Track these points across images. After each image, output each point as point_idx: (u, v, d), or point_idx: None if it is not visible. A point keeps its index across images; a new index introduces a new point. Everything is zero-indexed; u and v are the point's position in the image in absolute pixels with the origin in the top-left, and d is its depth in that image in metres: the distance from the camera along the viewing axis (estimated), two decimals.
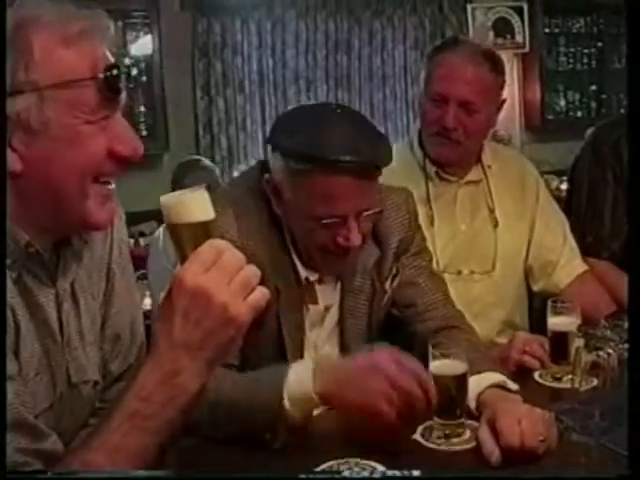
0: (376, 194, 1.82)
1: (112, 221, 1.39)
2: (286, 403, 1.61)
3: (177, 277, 1.19)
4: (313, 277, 1.88)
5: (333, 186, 1.70)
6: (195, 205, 1.23)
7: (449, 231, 2.36)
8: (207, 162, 4.56)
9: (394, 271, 1.98)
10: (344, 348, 1.96)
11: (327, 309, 1.93)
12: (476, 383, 1.73)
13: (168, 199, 1.23)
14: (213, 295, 1.17)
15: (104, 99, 1.25)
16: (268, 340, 1.84)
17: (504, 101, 2.42)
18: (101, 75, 1.24)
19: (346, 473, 1.48)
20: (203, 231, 1.23)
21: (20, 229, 1.27)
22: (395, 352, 1.65)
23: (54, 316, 1.36)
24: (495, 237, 2.38)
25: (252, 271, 1.23)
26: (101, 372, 1.48)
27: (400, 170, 2.34)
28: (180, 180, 4.35)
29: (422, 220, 2.27)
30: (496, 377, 1.76)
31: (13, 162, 1.23)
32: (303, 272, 1.86)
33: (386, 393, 1.57)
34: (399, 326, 2.04)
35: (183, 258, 1.21)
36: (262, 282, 1.72)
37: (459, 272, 2.34)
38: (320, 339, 1.95)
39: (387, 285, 1.97)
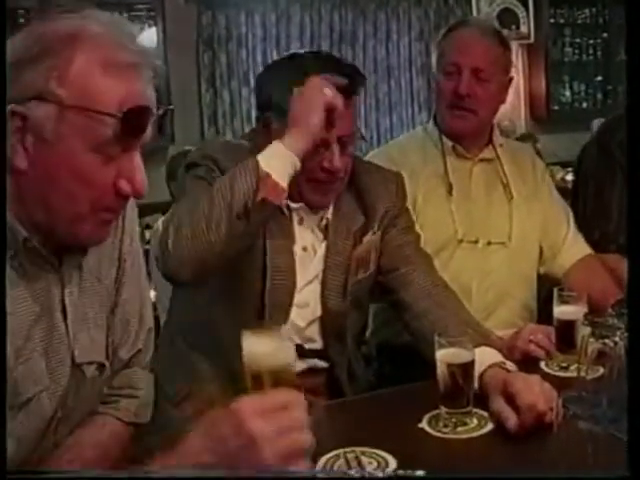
0: (354, 121, 1.95)
1: (105, 237, 1.39)
2: (262, 165, 1.70)
3: (236, 406, 1.15)
4: (294, 205, 1.94)
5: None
6: (281, 353, 1.26)
7: (465, 204, 2.40)
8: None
9: (375, 229, 2.04)
10: (324, 302, 2.01)
11: (305, 249, 1.99)
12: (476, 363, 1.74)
13: (253, 345, 1.25)
14: (257, 445, 1.12)
15: (122, 136, 1.25)
16: (254, 275, 1.92)
17: (512, 79, 2.51)
18: (120, 115, 1.23)
19: (353, 464, 1.48)
20: (285, 375, 1.24)
21: (18, 224, 1.28)
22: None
23: (57, 299, 1.37)
24: (510, 210, 2.44)
25: (304, 440, 1.16)
26: (109, 356, 1.50)
27: (416, 149, 2.42)
28: (174, 172, 4.32)
29: (438, 193, 2.33)
30: (493, 355, 1.78)
31: (20, 158, 1.24)
32: (291, 203, 1.93)
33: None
34: (384, 293, 2.09)
35: (256, 385, 1.22)
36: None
37: (476, 241, 2.39)
38: (301, 284, 1.99)
39: (365, 238, 2.02)
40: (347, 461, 1.49)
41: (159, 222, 2.16)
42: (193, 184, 1.87)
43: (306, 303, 2.00)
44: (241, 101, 5.87)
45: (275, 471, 1.13)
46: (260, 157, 1.72)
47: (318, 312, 2.02)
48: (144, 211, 4.60)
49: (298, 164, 1.74)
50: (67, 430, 1.44)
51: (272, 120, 1.88)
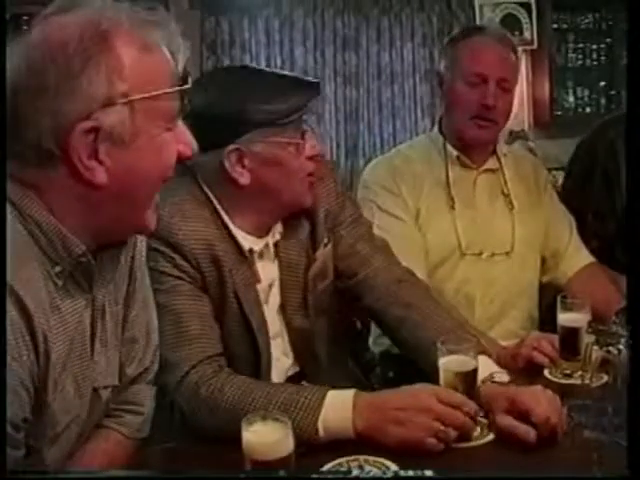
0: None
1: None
2: (320, 431, 1.60)
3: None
4: (257, 247, 1.90)
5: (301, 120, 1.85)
6: (284, 444, 1.31)
7: (468, 214, 2.39)
8: None
9: (325, 240, 2.00)
10: (288, 322, 1.98)
11: (270, 286, 1.95)
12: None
13: (252, 438, 1.31)
14: None
15: (179, 106, 1.29)
16: (234, 323, 1.88)
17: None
18: (185, 86, 1.29)
19: (355, 472, 1.48)
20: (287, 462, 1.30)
21: (77, 238, 1.26)
22: (436, 389, 1.64)
23: (88, 322, 1.36)
24: (512, 220, 2.43)
25: None
26: (120, 377, 1.49)
27: (420, 159, 2.40)
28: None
29: (441, 203, 2.32)
30: (485, 366, 1.77)
31: (99, 175, 1.23)
32: (247, 243, 1.88)
33: (434, 428, 1.56)
34: (349, 300, 2.08)
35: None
36: (216, 265, 1.82)
37: (480, 253, 2.38)
38: (271, 317, 1.96)
39: (318, 253, 1.99)
40: (350, 469, 1.49)
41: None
42: (162, 295, 1.76)
43: (278, 334, 1.98)
44: None
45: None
46: (322, 417, 1.61)
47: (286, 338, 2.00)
48: None
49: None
50: (79, 448, 1.44)
51: (252, 146, 1.82)
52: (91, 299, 1.36)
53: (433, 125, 2.62)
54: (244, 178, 1.81)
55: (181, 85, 1.29)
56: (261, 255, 1.93)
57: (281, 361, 1.98)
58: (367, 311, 2.05)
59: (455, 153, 2.43)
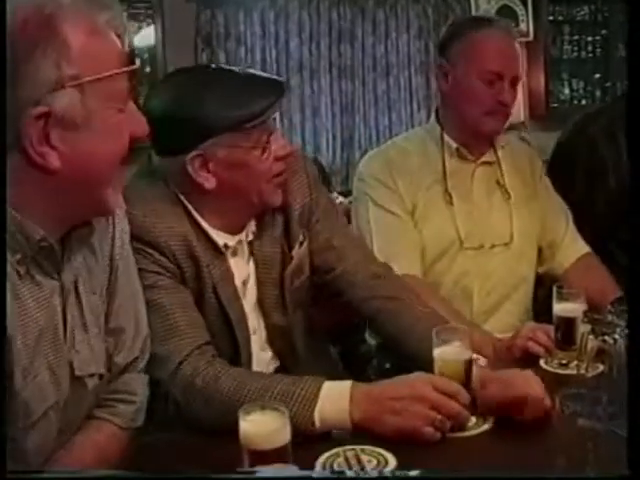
0: None
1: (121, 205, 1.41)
2: (316, 422, 1.59)
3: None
4: (231, 242, 1.89)
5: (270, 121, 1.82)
6: (282, 433, 1.32)
7: (466, 207, 2.39)
8: None
9: (300, 238, 1.99)
10: (266, 319, 1.98)
11: (244, 283, 1.94)
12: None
13: (255, 424, 1.32)
14: None
15: (129, 87, 1.29)
16: (213, 317, 1.87)
17: None
18: (134, 66, 1.31)
19: (352, 463, 1.48)
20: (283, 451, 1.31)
21: (35, 224, 1.26)
22: (432, 377, 1.64)
23: (59, 309, 1.36)
24: (510, 211, 2.42)
25: None
26: (106, 365, 1.48)
27: (416, 151, 2.39)
28: None
29: (439, 197, 2.31)
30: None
31: (52, 160, 1.22)
32: (220, 239, 1.87)
33: (430, 417, 1.56)
34: (329, 295, 2.07)
35: (254, 459, 1.31)
36: (194, 260, 1.82)
37: (481, 246, 2.38)
38: (247, 312, 1.94)
39: (294, 252, 1.98)
40: (347, 459, 1.49)
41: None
42: (147, 291, 1.72)
43: (254, 330, 1.96)
44: None
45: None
46: (319, 407, 1.60)
47: (264, 334, 1.99)
48: None
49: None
50: (68, 439, 1.44)
51: (215, 151, 1.78)
52: (59, 285, 1.35)
53: (429, 117, 2.61)
54: (209, 183, 1.79)
55: (128, 66, 1.30)
56: (234, 252, 1.91)
57: (260, 356, 1.97)
58: (346, 305, 2.03)
59: (454, 145, 2.41)
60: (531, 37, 6.47)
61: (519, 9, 6.40)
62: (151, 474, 1.49)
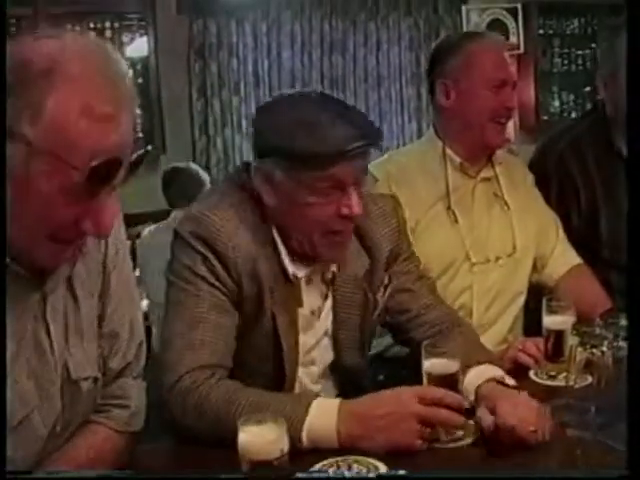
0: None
1: (60, 264, 1.36)
2: (304, 439, 1.58)
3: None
4: (301, 274, 1.83)
5: (342, 172, 1.69)
6: (279, 443, 1.36)
7: (469, 223, 2.39)
8: (194, 169, 4.47)
9: (386, 281, 1.96)
10: (338, 358, 1.95)
11: (313, 313, 1.89)
12: (474, 376, 1.75)
13: (253, 435, 1.36)
14: None
15: (89, 185, 1.20)
16: (264, 341, 1.83)
17: None
18: (87, 169, 1.18)
19: (346, 474, 1.49)
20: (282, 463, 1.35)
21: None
22: (416, 389, 1.65)
23: (40, 318, 1.37)
24: (510, 221, 2.42)
25: None
26: (100, 369, 1.50)
27: (416, 167, 2.38)
28: (168, 182, 4.31)
29: (442, 214, 2.32)
30: (494, 370, 1.78)
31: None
32: (291, 268, 1.81)
33: (419, 432, 1.57)
34: (395, 333, 2.06)
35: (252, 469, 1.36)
36: (257, 281, 1.76)
37: (487, 260, 2.38)
38: (309, 344, 1.91)
39: (379, 296, 1.95)
40: (339, 469, 1.51)
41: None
42: (187, 295, 1.74)
43: (312, 362, 1.93)
44: (232, 110, 5.89)
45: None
46: (307, 426, 1.59)
47: (324, 368, 1.95)
48: (135, 220, 4.66)
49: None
50: (64, 441, 1.46)
51: (274, 170, 1.73)
52: (41, 297, 1.36)
53: (420, 128, 2.62)
54: (268, 197, 1.75)
55: (99, 171, 1.19)
56: (309, 281, 1.87)
57: (309, 387, 1.93)
58: (408, 342, 2.01)
59: (458, 160, 2.41)
60: (522, 50, 6.51)
61: (510, 22, 6.45)
62: (151, 474, 1.52)
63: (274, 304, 1.80)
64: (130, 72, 1.31)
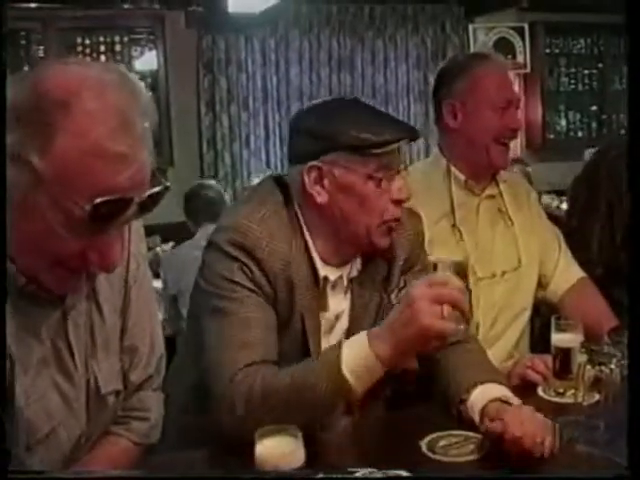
0: None
1: (68, 291, 1.36)
2: (347, 376, 1.62)
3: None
4: (333, 276, 1.89)
5: (394, 160, 1.82)
6: (297, 455, 1.39)
7: (473, 239, 2.40)
8: (219, 186, 4.48)
9: (401, 284, 1.99)
10: None
11: (337, 318, 1.94)
12: (479, 396, 1.76)
13: (270, 447, 1.39)
14: None
15: (93, 223, 1.18)
16: (293, 342, 1.86)
17: None
18: (90, 207, 1.16)
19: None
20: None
21: (17, 272, 1.27)
22: (422, 282, 1.66)
23: (62, 335, 1.39)
24: (515, 236, 2.43)
25: None
26: (122, 382, 1.52)
27: (421, 186, 2.39)
28: (190, 203, 4.33)
29: (447, 231, 2.33)
30: (498, 390, 1.79)
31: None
32: (322, 270, 1.87)
33: (435, 312, 1.59)
34: None
35: None
36: (289, 285, 1.81)
37: (493, 275, 2.39)
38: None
39: (393, 297, 1.98)
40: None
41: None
42: (230, 301, 1.77)
43: None
44: (240, 125, 5.92)
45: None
46: (344, 359, 1.64)
47: None
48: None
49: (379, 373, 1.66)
50: (86, 452, 1.48)
51: (333, 166, 1.78)
52: (62, 314, 1.37)
53: (428, 146, 2.63)
54: (320, 197, 1.80)
55: (101, 209, 1.17)
56: (334, 286, 1.91)
57: None
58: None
59: (463, 177, 2.43)
60: (528, 69, 6.54)
61: (516, 41, 6.48)
62: (151, 474, 1.53)
63: (303, 307, 1.85)
64: (154, 107, 1.28)
